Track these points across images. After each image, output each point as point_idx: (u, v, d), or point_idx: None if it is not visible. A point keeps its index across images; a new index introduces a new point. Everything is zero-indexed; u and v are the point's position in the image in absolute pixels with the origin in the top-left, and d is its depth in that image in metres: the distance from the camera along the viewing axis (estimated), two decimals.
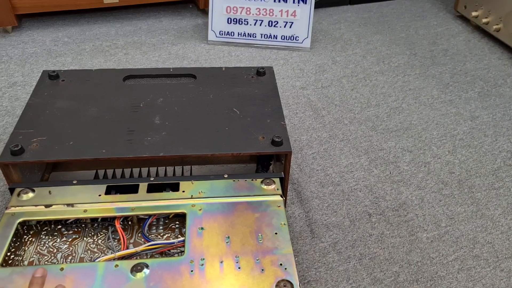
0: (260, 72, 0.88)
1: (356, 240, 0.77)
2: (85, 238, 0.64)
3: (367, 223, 0.80)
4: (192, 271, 0.56)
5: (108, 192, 0.67)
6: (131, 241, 0.64)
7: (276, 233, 0.61)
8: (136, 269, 0.55)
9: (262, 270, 0.56)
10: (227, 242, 0.59)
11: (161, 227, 0.66)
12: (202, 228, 0.61)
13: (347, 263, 0.73)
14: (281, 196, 0.67)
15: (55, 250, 0.62)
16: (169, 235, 0.65)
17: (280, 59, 1.26)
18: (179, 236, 0.65)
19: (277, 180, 0.70)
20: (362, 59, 1.27)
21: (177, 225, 0.67)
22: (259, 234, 0.61)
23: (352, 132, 1.01)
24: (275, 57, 1.26)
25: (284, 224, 0.63)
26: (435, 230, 0.79)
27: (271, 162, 0.84)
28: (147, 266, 0.56)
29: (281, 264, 0.57)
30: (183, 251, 0.58)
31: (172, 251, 0.62)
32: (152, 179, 0.69)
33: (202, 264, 0.57)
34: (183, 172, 0.77)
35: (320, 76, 1.19)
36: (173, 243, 0.60)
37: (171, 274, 0.55)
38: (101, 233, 0.65)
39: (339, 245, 0.76)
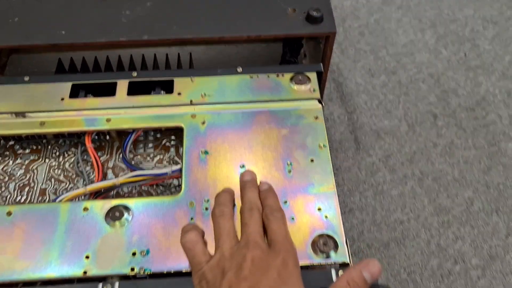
0: None
1: (416, 153, 0.60)
2: (47, 160, 0.49)
3: (431, 128, 0.62)
4: (192, 218, 0.41)
5: (74, 94, 0.50)
6: (110, 164, 0.48)
7: (312, 160, 0.45)
8: (113, 215, 0.41)
9: (292, 218, 0.41)
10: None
11: (150, 144, 0.50)
12: (206, 152, 0.45)
13: (403, 185, 0.57)
14: (319, 102, 0.48)
15: (7, 178, 0.48)
16: (161, 156, 0.49)
17: None
18: (176, 158, 0.49)
19: (313, 76, 0.51)
20: None
21: (172, 142, 0.50)
22: (287, 162, 0.44)
23: None
24: None
25: (324, 145, 0.45)
26: None
27: (302, 42, 0.63)
28: (127, 210, 0.41)
29: (319, 209, 0.42)
30: (180, 186, 0.42)
31: (165, 182, 0.46)
32: (135, 74, 0.50)
33: (207, 208, 0.41)
34: (180, 60, 0.57)
35: None
36: (166, 173, 0.44)
37: (162, 223, 0.41)
38: (69, 152, 0.49)
39: (392, 160, 0.59)
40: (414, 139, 0.62)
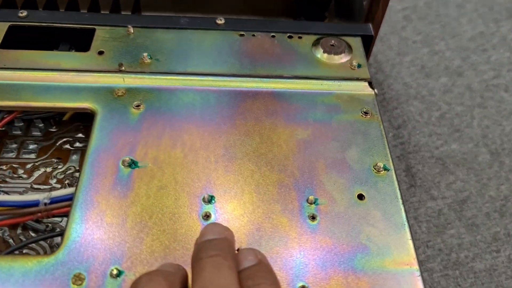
0: None
1: (509, 199, 0.37)
2: None
3: None
4: None
5: None
6: None
7: (361, 197, 0.21)
8: None
9: None
10: (206, 217, 0.18)
11: (32, 145, 0.25)
12: (133, 164, 0.21)
13: (493, 254, 0.34)
14: (370, 85, 0.25)
15: None
16: (49, 169, 0.25)
17: None
18: (75, 176, 0.25)
19: (356, 42, 0.28)
20: None
21: (78, 143, 0.26)
22: (309, 197, 0.20)
23: None
24: None
25: (385, 168, 0.21)
26: None
27: (326, 14, 0.42)
28: None
29: None
30: (62, 235, 0.18)
31: (42, 222, 0.22)
32: (23, 14, 0.27)
33: None
34: (118, 1, 0.34)
35: None
36: (37, 202, 0.20)
37: None
38: None
39: (471, 208, 0.36)
40: (503, 176, 0.38)
